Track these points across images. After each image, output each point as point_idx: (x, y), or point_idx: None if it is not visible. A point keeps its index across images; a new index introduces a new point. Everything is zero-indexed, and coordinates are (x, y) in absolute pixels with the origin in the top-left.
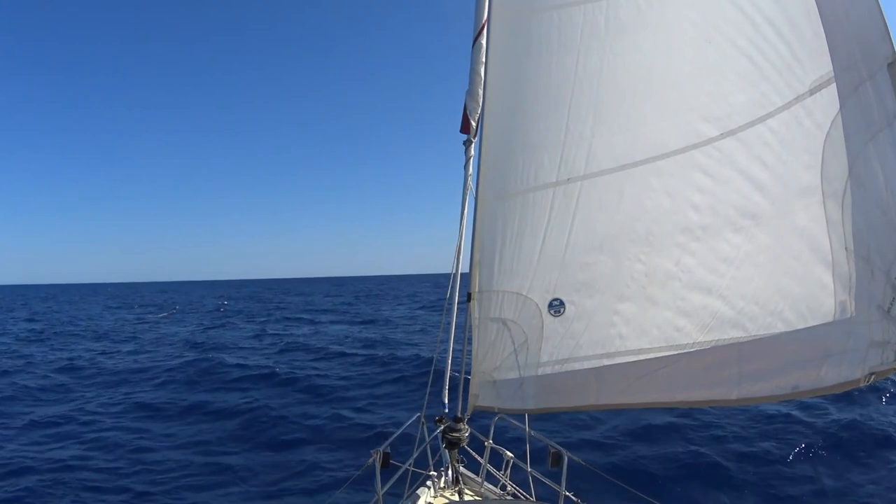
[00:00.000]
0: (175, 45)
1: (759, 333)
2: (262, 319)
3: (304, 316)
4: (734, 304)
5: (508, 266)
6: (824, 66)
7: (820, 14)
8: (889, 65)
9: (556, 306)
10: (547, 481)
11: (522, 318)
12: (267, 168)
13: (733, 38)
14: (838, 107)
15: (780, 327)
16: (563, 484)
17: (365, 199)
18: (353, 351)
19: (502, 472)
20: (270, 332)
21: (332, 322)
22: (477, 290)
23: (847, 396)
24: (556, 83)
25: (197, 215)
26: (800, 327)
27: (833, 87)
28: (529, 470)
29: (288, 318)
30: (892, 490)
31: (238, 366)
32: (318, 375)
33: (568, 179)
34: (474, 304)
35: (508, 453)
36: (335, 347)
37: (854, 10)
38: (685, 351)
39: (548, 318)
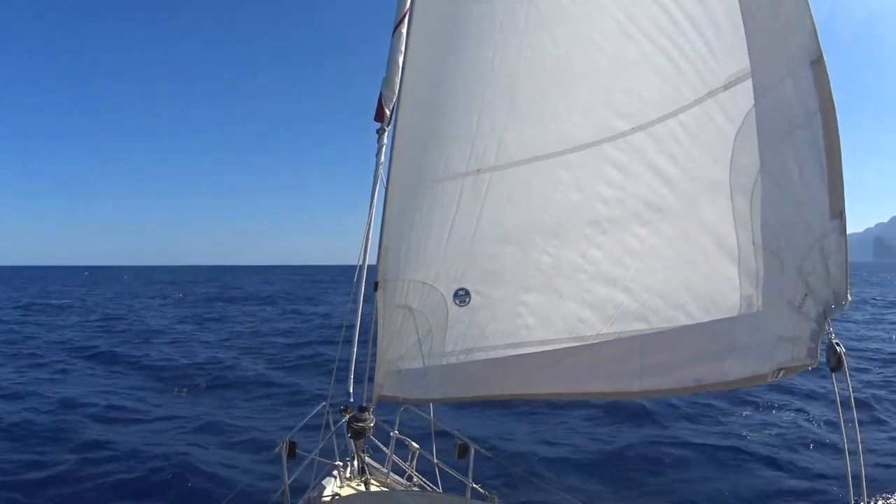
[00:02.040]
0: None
1: (663, 326)
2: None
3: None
4: (638, 297)
5: (415, 255)
6: (741, 62)
7: (742, 11)
8: (812, 62)
9: (462, 296)
10: (453, 472)
11: (428, 307)
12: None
13: (652, 34)
14: (752, 102)
15: (684, 321)
16: (470, 475)
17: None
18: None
19: (408, 463)
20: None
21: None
22: (383, 278)
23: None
24: (472, 75)
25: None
26: (704, 321)
27: (749, 83)
28: (435, 461)
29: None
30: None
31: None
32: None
33: (478, 170)
34: (380, 293)
35: (414, 444)
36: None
37: (783, 8)
38: (589, 342)
39: (453, 308)
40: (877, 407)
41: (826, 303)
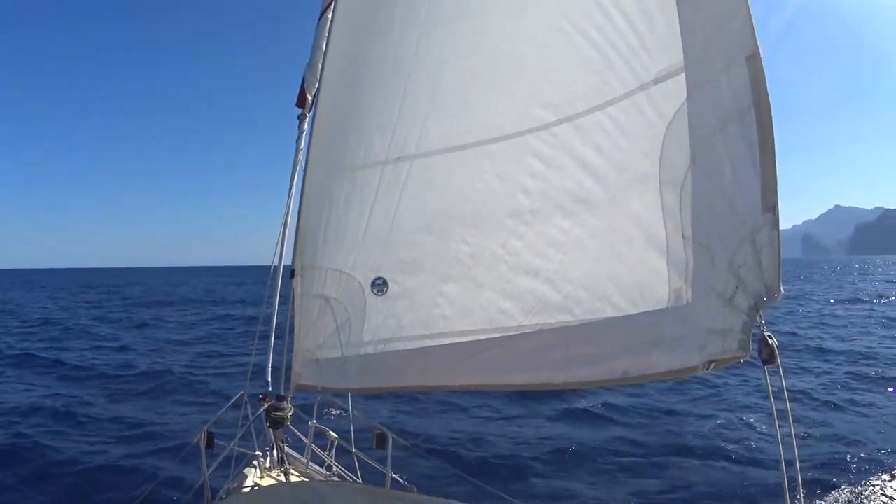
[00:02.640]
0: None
1: (587, 318)
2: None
3: None
4: (561, 289)
5: (333, 243)
6: (674, 56)
7: (677, 6)
8: (748, 58)
9: (380, 285)
10: (372, 462)
11: (345, 296)
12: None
13: (583, 27)
14: (685, 97)
15: (610, 312)
16: (389, 465)
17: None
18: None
19: (327, 453)
20: None
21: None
22: (301, 266)
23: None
24: (396, 62)
25: None
26: (630, 313)
27: (681, 78)
28: (354, 451)
29: None
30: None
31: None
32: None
33: (397, 158)
34: (297, 281)
35: (332, 434)
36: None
37: (719, 3)
38: (510, 334)
39: (370, 297)
40: (810, 401)
41: (758, 296)
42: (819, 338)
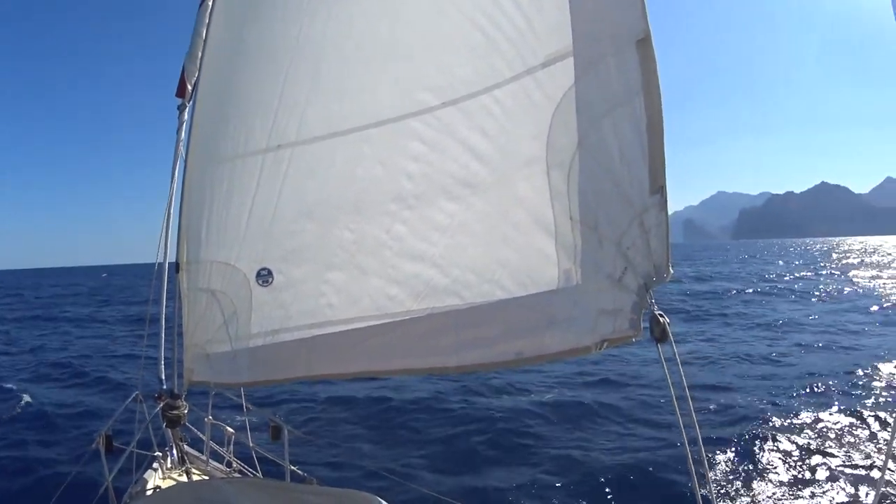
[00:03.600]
0: None
1: (477, 301)
2: None
3: None
4: (448, 273)
5: (216, 235)
6: (563, 40)
7: None
8: (638, 42)
9: (265, 276)
10: (270, 455)
11: (231, 288)
12: None
13: (468, 10)
14: (573, 80)
15: (500, 295)
16: (286, 457)
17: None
18: None
19: (226, 449)
20: None
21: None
22: (185, 260)
23: None
24: (277, 48)
25: None
26: (520, 295)
27: (570, 61)
28: (252, 445)
29: None
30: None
31: None
32: None
33: (278, 146)
34: (183, 275)
35: (229, 429)
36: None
37: None
38: (399, 319)
39: (256, 289)
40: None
41: (647, 276)
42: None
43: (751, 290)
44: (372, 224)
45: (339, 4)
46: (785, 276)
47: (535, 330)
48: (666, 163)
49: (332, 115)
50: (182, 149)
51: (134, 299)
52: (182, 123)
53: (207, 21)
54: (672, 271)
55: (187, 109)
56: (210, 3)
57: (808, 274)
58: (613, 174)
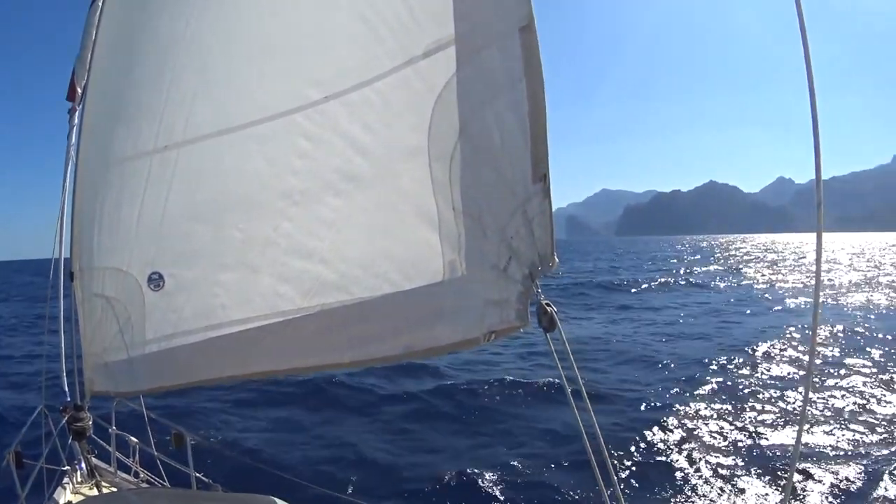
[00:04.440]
0: None
1: (366, 296)
2: None
3: None
4: (336, 268)
5: (108, 241)
6: (445, 28)
7: None
8: (521, 29)
9: (156, 280)
10: (175, 464)
11: (124, 294)
12: None
13: (352, 1)
14: (454, 70)
15: (387, 289)
16: (191, 464)
17: None
18: None
19: (132, 460)
20: None
21: None
22: (79, 267)
23: None
24: (165, 47)
25: None
26: (407, 288)
27: (452, 50)
28: (156, 454)
29: None
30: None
31: None
32: None
33: (165, 147)
34: (77, 283)
35: (133, 439)
36: None
37: None
38: (290, 317)
39: (148, 294)
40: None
41: (532, 265)
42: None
43: (626, 282)
44: (260, 222)
45: (226, 0)
46: (663, 269)
47: (423, 323)
48: (549, 151)
49: (218, 114)
50: (73, 153)
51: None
52: (72, 128)
53: (97, 22)
54: (557, 260)
55: (77, 113)
56: (100, 4)
57: (696, 269)
58: (496, 163)
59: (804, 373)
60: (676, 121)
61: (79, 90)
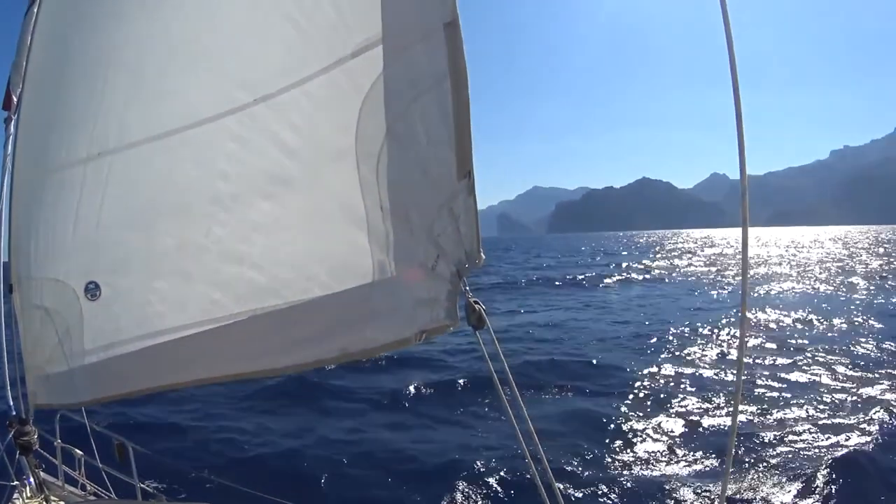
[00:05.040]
0: None
1: (298, 299)
2: None
3: None
4: (268, 272)
5: (44, 251)
6: (372, 28)
7: None
8: (446, 25)
9: (92, 290)
10: (120, 475)
11: (62, 305)
12: None
13: (281, 3)
14: (381, 69)
15: (319, 292)
16: (135, 475)
17: None
18: None
19: (79, 472)
20: None
21: None
22: (17, 279)
23: None
24: (97, 54)
25: None
26: (339, 290)
27: (379, 49)
28: (101, 466)
29: None
30: None
31: None
32: None
33: (98, 154)
34: (16, 295)
35: (78, 451)
36: None
37: None
38: (225, 323)
39: (86, 304)
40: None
41: (459, 263)
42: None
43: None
44: (192, 228)
45: (157, 6)
46: (594, 263)
47: (356, 324)
48: (473, 147)
49: (149, 120)
50: (9, 163)
51: None
52: (9, 137)
53: (31, 29)
54: (483, 257)
55: (13, 122)
56: (35, 11)
57: (624, 262)
58: (422, 162)
59: (735, 358)
60: (608, 119)
61: (14, 99)
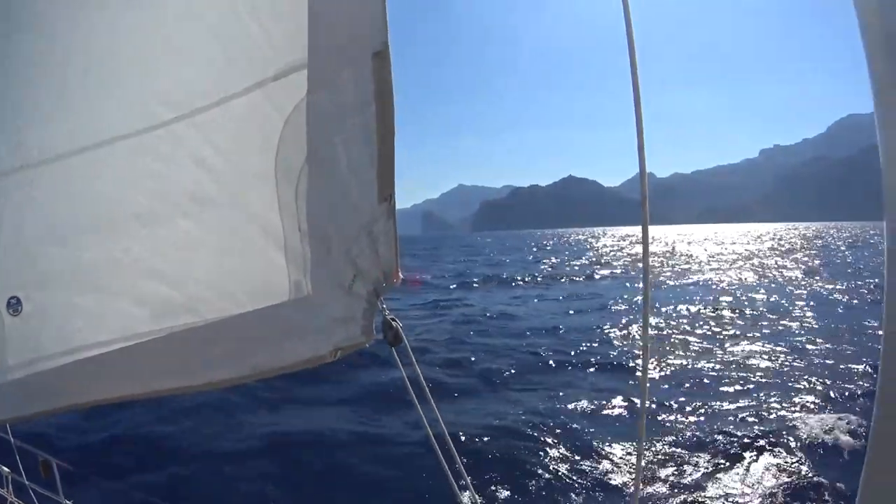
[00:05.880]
0: None
1: (214, 317)
2: None
3: None
4: (185, 290)
5: None
6: (298, 51)
7: (308, 1)
8: (375, 54)
9: (14, 305)
10: (47, 492)
11: None
12: None
13: (208, 20)
14: (305, 93)
15: (235, 310)
16: (61, 492)
17: None
18: None
19: (6, 490)
20: None
21: None
22: None
23: None
24: (23, 64)
25: None
26: (255, 309)
27: (303, 74)
28: (28, 483)
29: None
30: None
31: None
32: None
33: (21, 167)
34: None
35: (5, 469)
36: None
37: (351, 1)
38: (144, 340)
39: (8, 319)
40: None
41: (377, 282)
42: None
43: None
44: (112, 245)
45: (80, 12)
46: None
47: (271, 343)
48: (395, 171)
49: (73, 133)
50: None
51: None
52: None
53: None
54: (401, 276)
55: None
56: None
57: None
58: (342, 185)
59: (641, 351)
60: (534, 118)
61: None
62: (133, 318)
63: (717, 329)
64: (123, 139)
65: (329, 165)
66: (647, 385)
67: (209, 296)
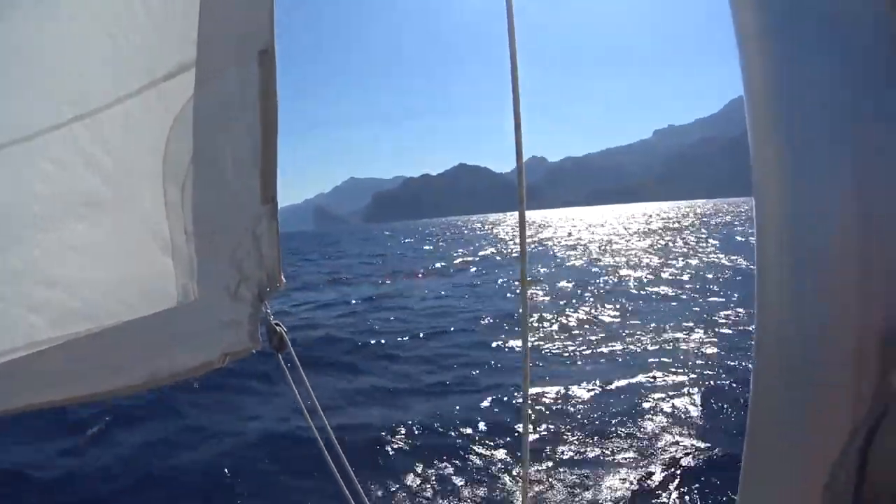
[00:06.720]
0: None
1: (109, 323)
2: None
3: None
4: (80, 296)
5: None
6: (188, 50)
7: (200, 1)
8: (260, 52)
9: None
10: None
11: None
12: None
13: (103, 18)
14: (192, 92)
15: (128, 316)
16: None
17: None
18: None
19: None
20: None
21: None
22: None
23: None
24: None
25: None
26: (147, 314)
27: (192, 73)
28: None
29: None
30: None
31: None
32: None
33: None
34: None
35: None
36: None
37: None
38: (42, 349)
39: None
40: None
41: (261, 285)
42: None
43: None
44: (7, 252)
45: None
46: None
47: (163, 349)
48: (277, 172)
49: None
50: None
51: None
52: None
53: None
54: (284, 280)
55: None
56: None
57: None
58: (227, 186)
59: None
60: (422, 107)
61: None
62: (30, 326)
63: (586, 310)
64: (19, 143)
65: (214, 166)
66: (529, 364)
67: (104, 301)
